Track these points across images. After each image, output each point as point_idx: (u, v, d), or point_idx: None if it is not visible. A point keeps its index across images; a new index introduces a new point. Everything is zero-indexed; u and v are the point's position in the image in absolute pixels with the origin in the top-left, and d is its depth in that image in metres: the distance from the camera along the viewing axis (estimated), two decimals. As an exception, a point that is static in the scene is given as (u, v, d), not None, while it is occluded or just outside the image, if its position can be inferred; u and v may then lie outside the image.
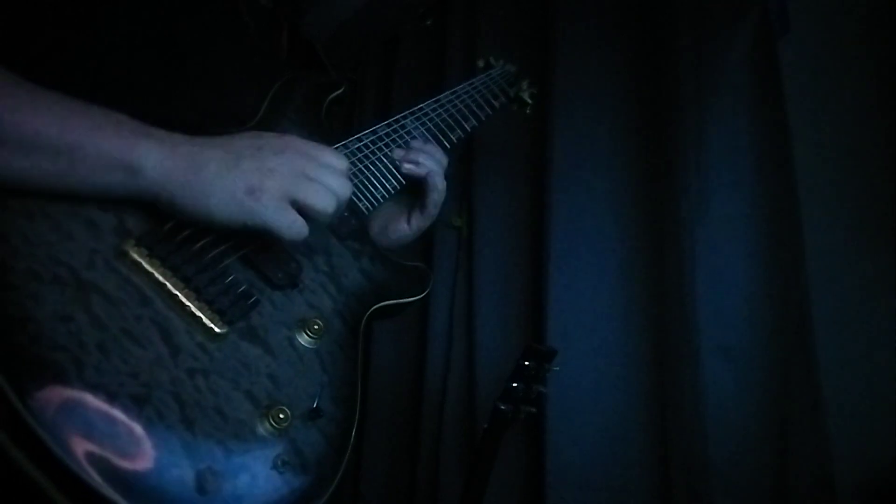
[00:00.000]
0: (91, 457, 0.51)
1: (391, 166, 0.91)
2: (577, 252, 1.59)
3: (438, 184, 0.94)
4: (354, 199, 0.84)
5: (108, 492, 0.51)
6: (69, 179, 0.59)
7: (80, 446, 0.51)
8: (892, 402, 1.25)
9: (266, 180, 0.64)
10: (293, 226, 0.66)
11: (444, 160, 0.97)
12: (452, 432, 1.75)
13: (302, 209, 0.66)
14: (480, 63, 1.25)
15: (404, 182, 0.93)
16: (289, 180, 0.65)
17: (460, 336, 1.83)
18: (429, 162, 0.93)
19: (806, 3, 1.47)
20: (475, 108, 1.08)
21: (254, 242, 0.70)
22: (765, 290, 1.38)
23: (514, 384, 1.21)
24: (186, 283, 0.64)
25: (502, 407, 1.21)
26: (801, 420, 1.29)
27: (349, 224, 0.83)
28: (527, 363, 1.21)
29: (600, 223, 1.60)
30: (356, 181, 0.85)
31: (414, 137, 0.95)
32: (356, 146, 0.88)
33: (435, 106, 1.02)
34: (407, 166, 0.92)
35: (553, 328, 1.55)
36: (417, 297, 0.89)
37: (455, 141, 1.03)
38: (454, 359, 1.81)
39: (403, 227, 0.98)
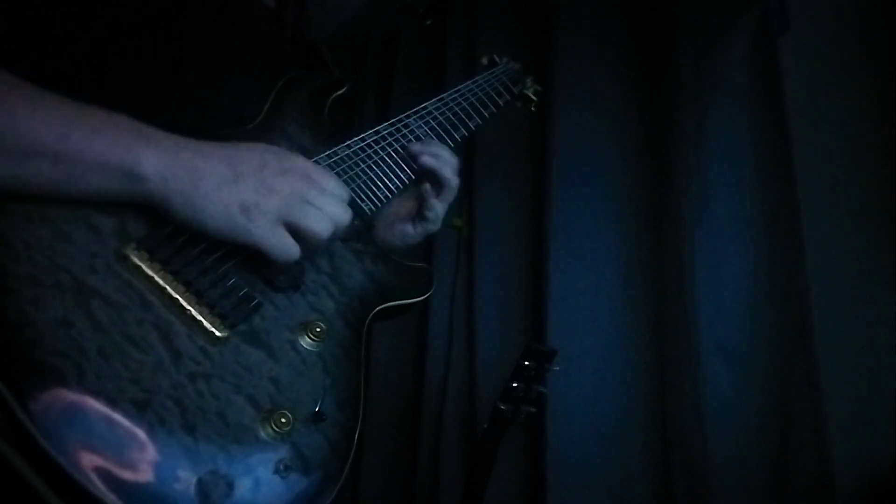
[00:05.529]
0: (92, 463, 0.51)
1: (394, 166, 0.90)
2: (577, 252, 1.59)
3: (452, 180, 0.93)
4: (357, 199, 0.84)
5: (110, 499, 0.51)
6: (69, 185, 0.59)
7: (81, 453, 0.51)
8: (892, 402, 1.25)
9: (263, 200, 0.65)
10: (283, 247, 0.66)
11: (455, 161, 0.96)
12: (452, 432, 1.75)
13: (296, 232, 0.67)
14: (484, 60, 1.22)
15: (412, 178, 0.91)
16: (286, 202, 0.66)
17: (460, 336, 1.83)
18: (446, 156, 0.93)
19: (806, 3, 1.47)
20: (479, 106, 1.06)
21: None
22: (765, 291, 1.39)
23: (514, 384, 1.21)
24: (187, 287, 0.64)
25: (502, 407, 1.21)
26: (801, 420, 1.29)
27: (352, 225, 0.82)
28: (527, 363, 1.21)
29: (600, 223, 1.60)
30: (359, 181, 0.85)
31: (418, 136, 0.95)
32: (359, 146, 0.87)
33: (439, 104, 1.00)
34: (426, 158, 0.91)
35: (553, 328, 1.55)
36: (421, 298, 0.88)
37: (459, 139, 1.02)
38: (454, 359, 1.81)
39: (408, 229, 0.97)
